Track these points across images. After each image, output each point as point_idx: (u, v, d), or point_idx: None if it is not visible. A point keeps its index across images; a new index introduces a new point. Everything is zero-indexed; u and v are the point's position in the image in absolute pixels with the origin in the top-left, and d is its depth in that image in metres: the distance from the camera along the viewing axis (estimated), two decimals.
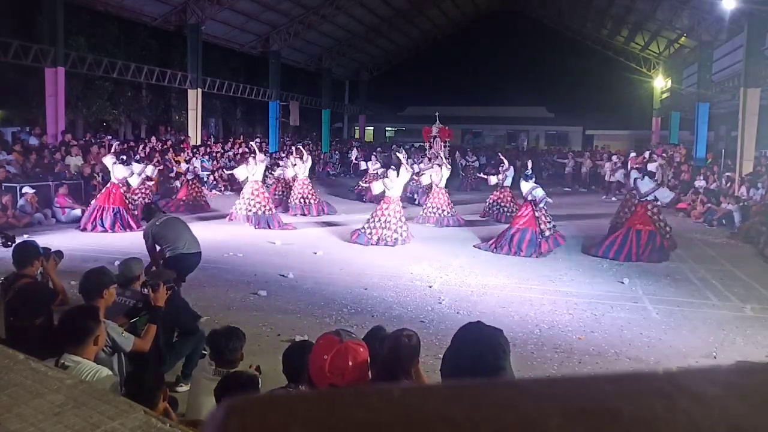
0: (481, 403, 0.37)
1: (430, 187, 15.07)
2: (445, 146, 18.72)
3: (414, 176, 17.05)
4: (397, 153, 13.77)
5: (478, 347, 1.93)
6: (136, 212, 12.39)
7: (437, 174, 14.59)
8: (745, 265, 9.91)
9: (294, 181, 15.61)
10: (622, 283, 8.56)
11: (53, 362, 2.93)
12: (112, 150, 13.12)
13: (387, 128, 44.26)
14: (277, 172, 16.75)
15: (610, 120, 37.88)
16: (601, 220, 13.62)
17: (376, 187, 11.46)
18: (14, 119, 22.57)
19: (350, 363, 2.36)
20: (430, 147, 18.47)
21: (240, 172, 13.55)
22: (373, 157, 20.27)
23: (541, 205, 11.01)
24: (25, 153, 14.50)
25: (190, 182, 15.61)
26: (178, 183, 16.90)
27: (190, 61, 21.50)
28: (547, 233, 10.96)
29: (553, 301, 7.63)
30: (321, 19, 25.17)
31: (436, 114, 18.85)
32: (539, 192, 10.81)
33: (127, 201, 12.31)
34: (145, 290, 4.29)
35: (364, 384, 2.34)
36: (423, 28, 32.47)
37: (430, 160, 17.33)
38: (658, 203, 10.94)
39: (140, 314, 4.28)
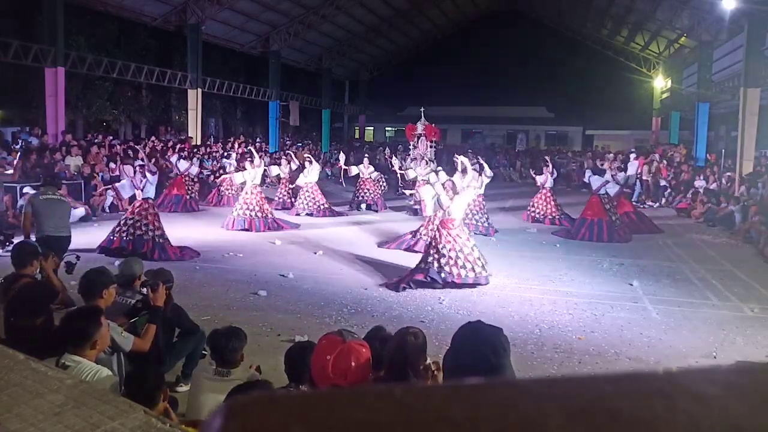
0: (481, 403, 0.37)
1: (414, 181, 14.60)
2: (431, 146, 16.75)
3: (399, 171, 16.15)
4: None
5: (479, 346, 1.94)
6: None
7: (423, 168, 14.22)
8: (745, 265, 9.90)
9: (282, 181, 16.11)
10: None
11: (53, 362, 2.94)
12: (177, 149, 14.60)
13: (387, 128, 44.25)
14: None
15: (610, 120, 37.88)
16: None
17: (425, 194, 8.40)
18: (14, 119, 22.58)
19: (353, 363, 2.36)
20: (415, 147, 16.63)
21: (237, 177, 13.32)
22: (365, 160, 17.66)
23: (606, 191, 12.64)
24: (25, 153, 14.49)
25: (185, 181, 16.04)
26: None
27: (190, 61, 21.49)
28: (618, 223, 12.33)
29: (553, 301, 7.62)
30: (321, 19, 25.17)
31: (421, 110, 16.97)
32: (612, 188, 12.55)
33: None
34: (144, 290, 4.29)
35: (366, 384, 2.34)
36: (423, 28, 32.46)
37: (414, 161, 15.64)
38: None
39: (140, 314, 4.28)
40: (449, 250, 7.98)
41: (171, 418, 2.75)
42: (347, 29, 28.19)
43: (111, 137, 20.01)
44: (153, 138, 21.34)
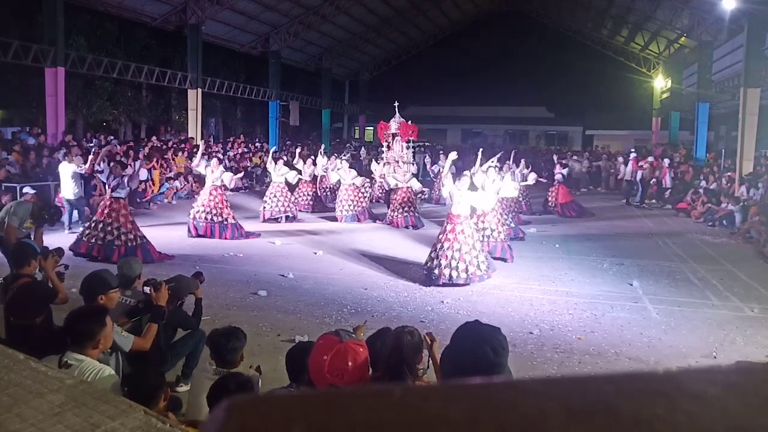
0: (481, 403, 0.37)
1: (393, 190, 13.73)
2: (407, 147, 15.08)
3: (380, 178, 14.94)
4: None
5: (477, 345, 1.94)
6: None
7: (402, 173, 13.84)
8: (745, 265, 9.90)
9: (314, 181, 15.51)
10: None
11: (56, 360, 2.94)
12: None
13: None
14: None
15: (610, 120, 37.87)
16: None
17: (446, 186, 8.43)
18: (14, 119, 22.57)
19: (350, 363, 2.36)
20: (389, 148, 14.95)
21: (200, 167, 11.61)
22: (344, 164, 15.18)
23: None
24: (24, 153, 14.49)
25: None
26: (177, 183, 16.93)
27: (190, 61, 21.49)
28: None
29: (553, 301, 7.63)
30: (321, 19, 25.17)
31: (395, 104, 14.92)
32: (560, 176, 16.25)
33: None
34: (146, 289, 4.29)
35: (364, 384, 2.34)
36: (423, 28, 32.46)
37: (387, 165, 14.61)
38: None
39: (143, 314, 4.28)
40: (447, 249, 8.06)
41: (171, 418, 2.75)
42: (347, 29, 28.19)
43: (111, 137, 20.00)
44: (153, 138, 21.33)
